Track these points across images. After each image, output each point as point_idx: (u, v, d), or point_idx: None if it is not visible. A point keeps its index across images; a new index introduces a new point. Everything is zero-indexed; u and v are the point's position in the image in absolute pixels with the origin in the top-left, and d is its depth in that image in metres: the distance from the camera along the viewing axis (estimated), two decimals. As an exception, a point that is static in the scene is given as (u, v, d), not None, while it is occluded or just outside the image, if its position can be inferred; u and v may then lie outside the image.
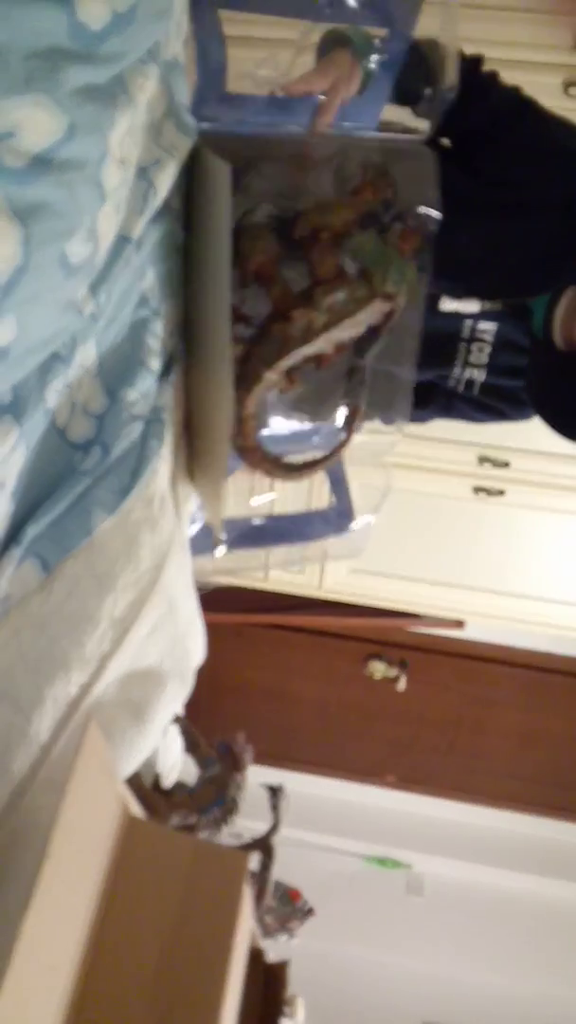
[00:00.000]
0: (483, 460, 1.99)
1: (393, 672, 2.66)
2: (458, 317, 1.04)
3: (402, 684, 2.65)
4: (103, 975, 0.63)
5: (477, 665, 2.65)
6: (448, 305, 1.03)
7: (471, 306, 1.03)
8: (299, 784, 2.72)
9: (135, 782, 0.93)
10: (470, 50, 0.96)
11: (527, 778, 2.75)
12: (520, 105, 0.99)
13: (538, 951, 2.63)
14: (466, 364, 1.06)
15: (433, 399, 1.13)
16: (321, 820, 2.74)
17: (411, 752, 2.78)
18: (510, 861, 2.75)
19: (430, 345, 1.00)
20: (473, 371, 1.06)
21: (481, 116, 0.97)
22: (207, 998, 0.64)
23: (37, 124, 0.52)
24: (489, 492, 2.02)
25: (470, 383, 1.08)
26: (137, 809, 0.74)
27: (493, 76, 1.00)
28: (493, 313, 1.03)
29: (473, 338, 1.05)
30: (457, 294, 1.02)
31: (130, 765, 0.80)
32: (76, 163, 0.55)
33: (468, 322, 1.04)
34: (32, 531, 0.65)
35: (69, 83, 0.53)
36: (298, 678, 2.75)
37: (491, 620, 2.23)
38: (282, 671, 2.74)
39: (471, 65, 0.97)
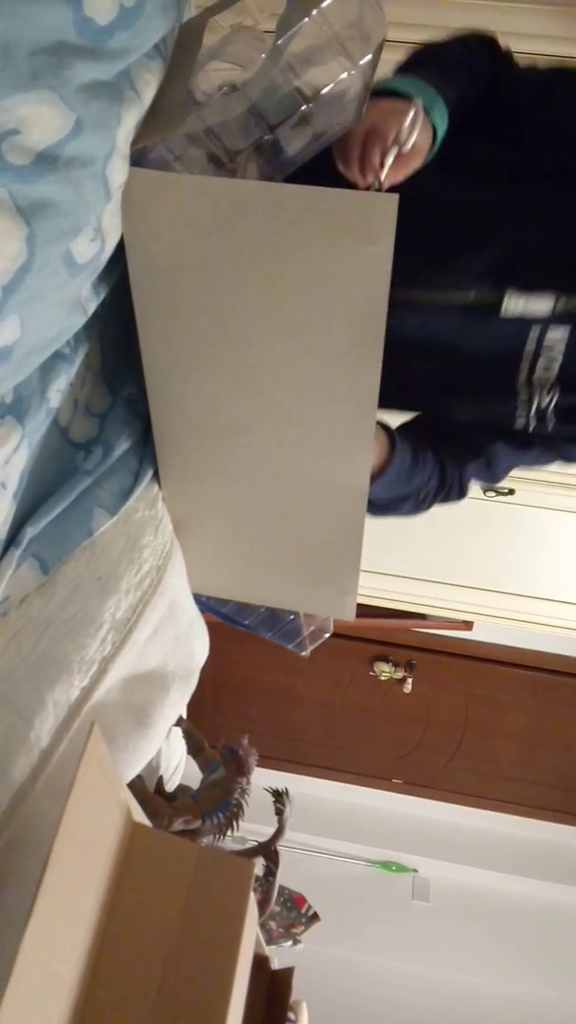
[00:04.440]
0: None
1: (400, 673, 2.65)
2: (522, 326, 0.81)
3: (408, 686, 2.64)
4: (106, 983, 0.62)
5: (485, 667, 2.64)
6: (514, 307, 0.81)
7: (541, 305, 0.80)
8: (304, 787, 2.71)
9: (137, 785, 0.92)
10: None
11: (535, 782, 2.74)
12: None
13: (545, 957, 2.61)
14: (531, 387, 0.84)
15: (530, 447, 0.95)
16: (326, 824, 2.73)
17: (417, 755, 2.77)
18: (517, 866, 2.74)
19: (483, 370, 0.84)
20: (542, 395, 0.85)
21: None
22: (212, 1007, 0.63)
23: (43, 121, 0.51)
24: (498, 491, 2.01)
25: (541, 414, 0.86)
26: (140, 815, 0.73)
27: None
28: (567, 314, 0.80)
29: (539, 353, 0.82)
30: (529, 284, 0.80)
31: (133, 769, 0.80)
32: (82, 160, 0.54)
33: (534, 332, 0.82)
34: (30, 532, 0.64)
35: (76, 79, 0.52)
36: (303, 679, 2.74)
37: (499, 621, 2.22)
38: (287, 672, 2.72)
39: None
